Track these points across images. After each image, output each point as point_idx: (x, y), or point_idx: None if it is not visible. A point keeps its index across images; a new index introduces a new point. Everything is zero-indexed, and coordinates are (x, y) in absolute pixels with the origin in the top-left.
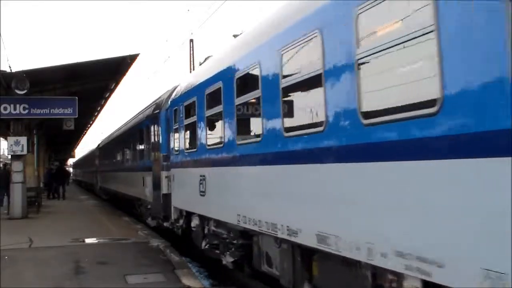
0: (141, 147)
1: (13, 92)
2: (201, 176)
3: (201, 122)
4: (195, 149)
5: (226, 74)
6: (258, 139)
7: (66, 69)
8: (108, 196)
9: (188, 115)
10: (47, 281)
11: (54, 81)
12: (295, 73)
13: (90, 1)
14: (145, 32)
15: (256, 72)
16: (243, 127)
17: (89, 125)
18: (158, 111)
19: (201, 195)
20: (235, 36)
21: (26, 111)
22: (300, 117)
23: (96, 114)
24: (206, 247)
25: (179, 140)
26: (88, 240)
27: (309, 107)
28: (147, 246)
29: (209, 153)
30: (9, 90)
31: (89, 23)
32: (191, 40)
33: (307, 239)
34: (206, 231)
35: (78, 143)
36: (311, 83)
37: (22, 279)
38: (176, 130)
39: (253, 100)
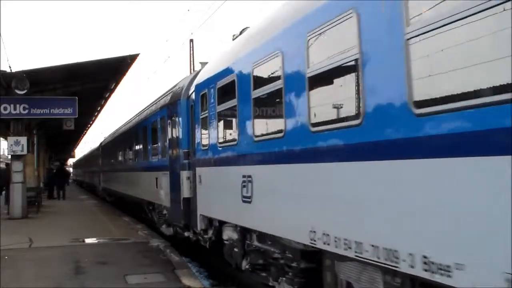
0: (154, 143)
1: (13, 92)
2: (244, 177)
3: (246, 106)
4: (234, 142)
5: (289, 36)
6: (356, 122)
7: (66, 69)
8: (112, 198)
9: (223, 99)
10: (47, 281)
11: (54, 81)
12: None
13: (90, 1)
14: (145, 32)
15: (352, 22)
16: (320, 107)
17: (89, 125)
18: (177, 99)
19: (244, 201)
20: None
21: (26, 111)
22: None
23: (96, 114)
24: (247, 267)
25: (209, 132)
26: (88, 240)
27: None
28: (147, 246)
29: (258, 147)
30: (9, 90)
31: (89, 23)
32: (191, 40)
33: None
34: (246, 246)
35: (78, 143)
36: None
37: (22, 279)
38: (204, 120)
39: (336, 67)
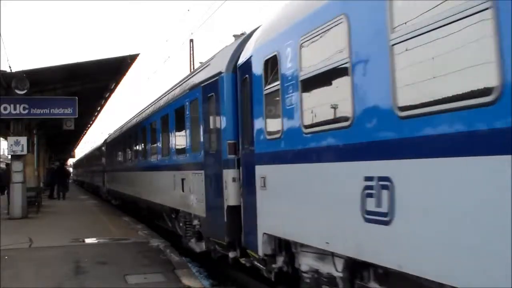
0: (180, 134)
1: (13, 92)
2: (371, 179)
3: (373, 60)
4: (345, 124)
5: None
6: None
7: (66, 69)
8: (118, 201)
9: (314, 57)
10: (47, 281)
11: (54, 81)
12: None
13: (90, 1)
14: (145, 32)
15: None
16: None
17: (89, 125)
18: (217, 73)
19: (370, 220)
20: (235, 36)
21: (26, 111)
22: None
23: (96, 114)
24: None
25: (283, 112)
26: (88, 240)
27: None
28: (147, 246)
29: (412, 127)
30: (9, 90)
31: (89, 23)
32: (191, 40)
33: None
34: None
35: (78, 143)
36: None
37: (22, 279)
38: (272, 96)
39: None
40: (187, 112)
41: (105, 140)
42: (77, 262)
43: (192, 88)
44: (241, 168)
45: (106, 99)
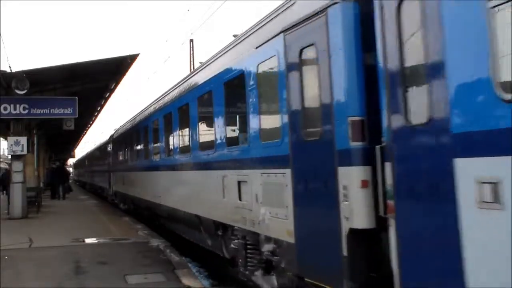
0: (235, 116)
1: (13, 92)
2: None
3: None
4: None
5: None
6: None
7: (66, 69)
8: (128, 206)
9: None
10: (47, 281)
11: (54, 81)
12: None
13: (90, 1)
14: (145, 32)
15: None
16: None
17: (89, 125)
18: (325, 7)
19: None
20: (235, 36)
21: (26, 111)
22: None
23: (96, 114)
24: None
25: None
26: (88, 240)
27: None
28: (147, 246)
29: None
30: (9, 90)
31: (89, 23)
32: (191, 40)
33: None
34: None
35: (78, 143)
36: None
37: (22, 279)
38: None
39: None
40: (251, 82)
41: (111, 136)
42: (77, 262)
43: (263, 43)
44: (391, 163)
45: (106, 99)
